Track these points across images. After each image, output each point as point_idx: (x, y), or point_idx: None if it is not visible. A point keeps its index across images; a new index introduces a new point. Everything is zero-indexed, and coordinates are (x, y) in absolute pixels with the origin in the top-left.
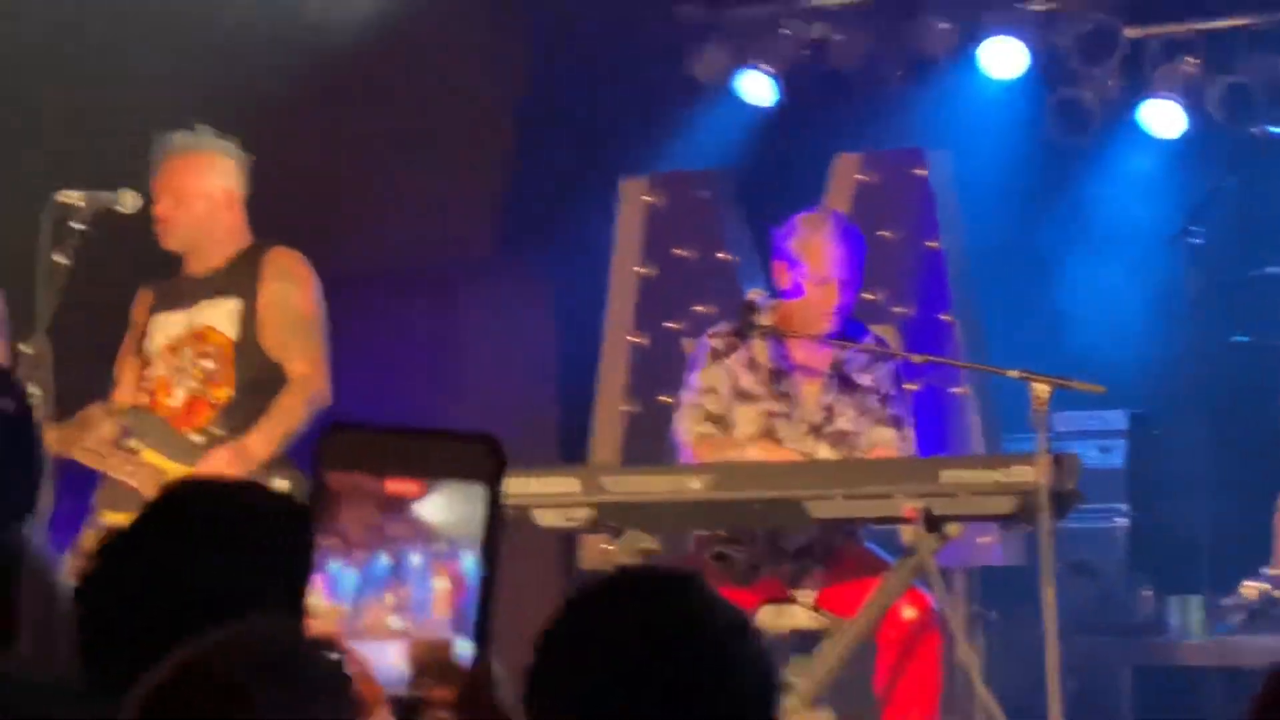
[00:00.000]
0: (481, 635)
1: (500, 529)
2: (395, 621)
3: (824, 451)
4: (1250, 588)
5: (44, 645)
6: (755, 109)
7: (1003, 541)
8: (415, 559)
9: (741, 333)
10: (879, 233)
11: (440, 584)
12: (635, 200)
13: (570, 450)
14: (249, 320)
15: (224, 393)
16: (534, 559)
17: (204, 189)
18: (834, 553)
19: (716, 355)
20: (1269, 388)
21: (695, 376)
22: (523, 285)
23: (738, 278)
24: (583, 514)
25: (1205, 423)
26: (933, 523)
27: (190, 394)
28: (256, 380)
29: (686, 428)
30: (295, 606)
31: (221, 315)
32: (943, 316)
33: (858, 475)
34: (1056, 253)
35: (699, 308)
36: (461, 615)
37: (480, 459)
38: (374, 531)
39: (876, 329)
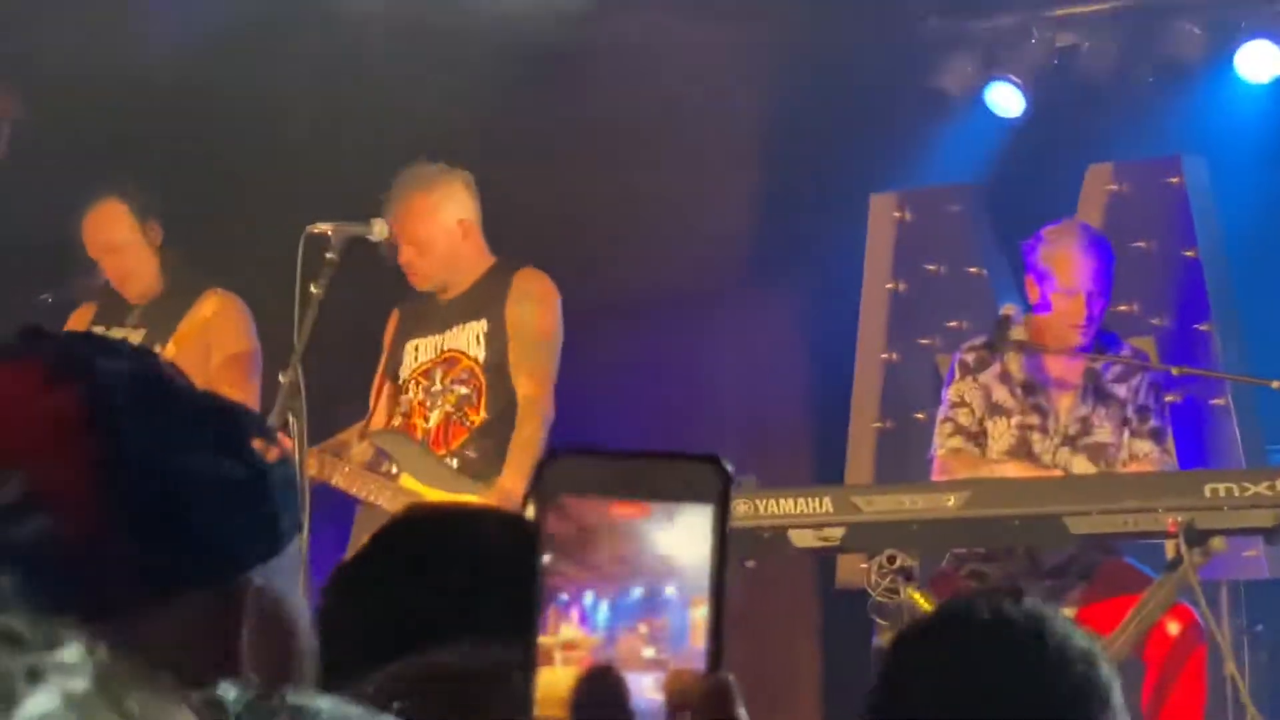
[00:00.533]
0: (714, 653)
1: (728, 549)
2: (650, 652)
3: (1079, 464)
4: None
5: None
6: (1005, 121)
7: (1269, 554)
8: (670, 590)
9: (995, 346)
10: (1134, 243)
11: (697, 614)
12: (885, 216)
13: (825, 470)
14: (496, 341)
15: (479, 416)
16: (791, 580)
17: (441, 227)
18: (1093, 569)
19: (968, 370)
20: None
21: (948, 392)
22: (774, 305)
23: (989, 292)
24: (837, 534)
25: None
26: (1195, 537)
27: (445, 417)
28: (507, 403)
29: (939, 443)
30: (524, 634)
31: (470, 338)
32: (1201, 327)
33: (1118, 490)
34: None
35: (951, 323)
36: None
37: (707, 479)
38: (623, 561)
39: (1134, 341)
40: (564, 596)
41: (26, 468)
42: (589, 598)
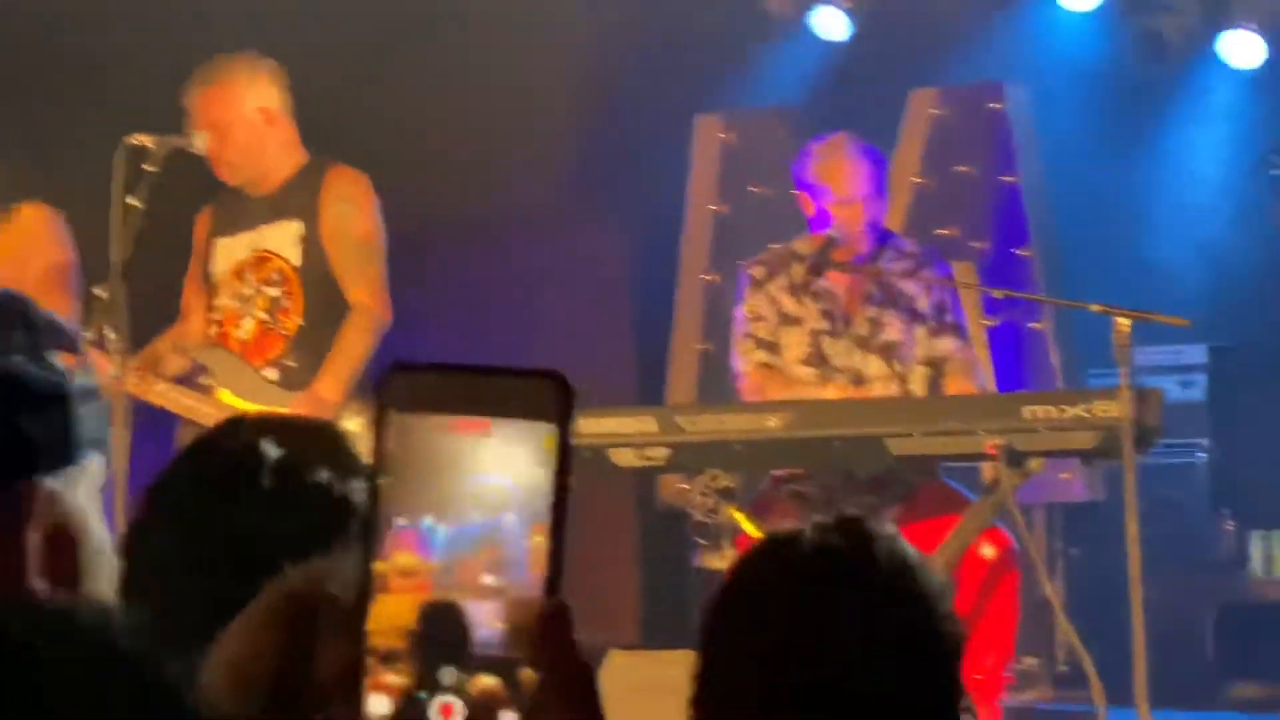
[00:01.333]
0: (553, 580)
1: (570, 469)
2: (489, 579)
3: (872, 365)
4: None
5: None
6: (829, 44)
7: (1083, 477)
8: (510, 516)
9: (818, 269)
10: (955, 168)
11: (537, 540)
12: (710, 138)
13: (647, 390)
14: (313, 245)
15: (293, 322)
16: (610, 498)
17: (238, 113)
18: (912, 490)
19: (757, 284)
20: None
21: (742, 309)
22: (599, 226)
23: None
24: (660, 454)
25: None
26: (1015, 459)
27: (259, 325)
28: (326, 308)
29: (744, 360)
30: (339, 553)
31: (284, 239)
32: (1021, 251)
33: (938, 412)
34: (1135, 186)
35: (774, 245)
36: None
37: (549, 396)
38: (462, 484)
39: (955, 264)
40: (401, 521)
41: None
42: (427, 522)
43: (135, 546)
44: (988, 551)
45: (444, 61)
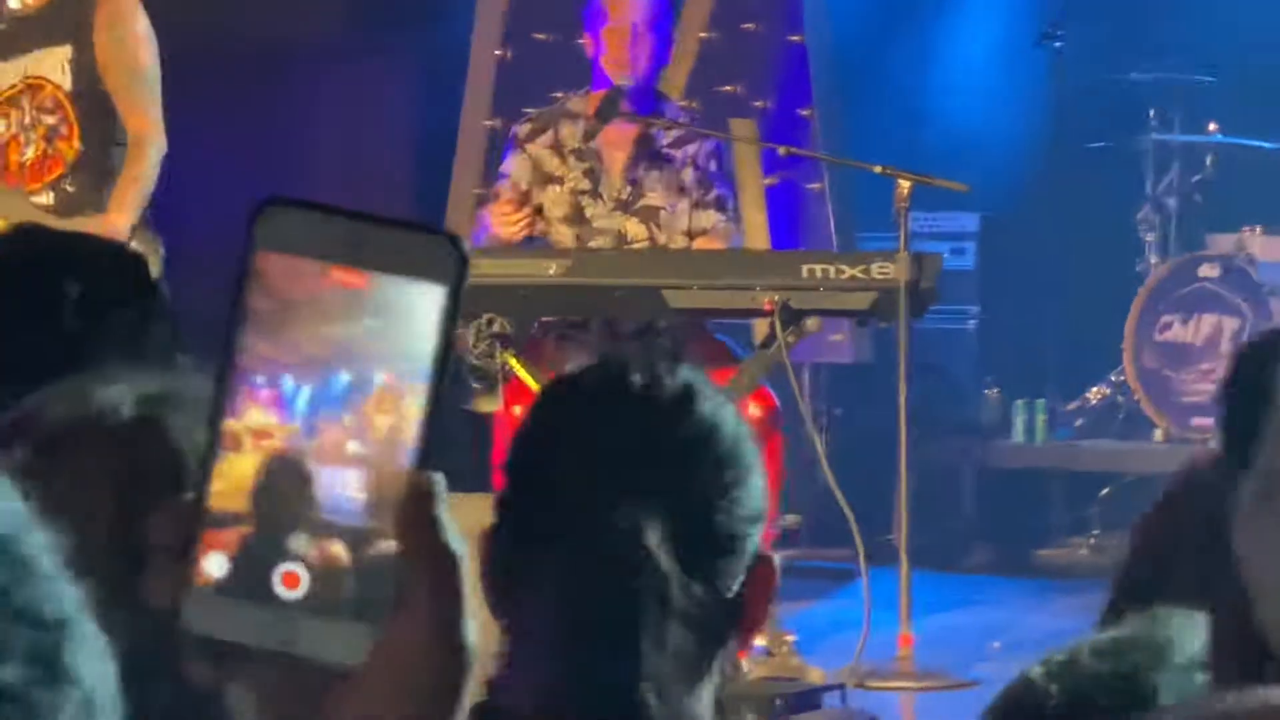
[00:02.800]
0: (424, 451)
1: (453, 340)
2: (354, 446)
3: (632, 228)
4: (1095, 392)
5: None
6: None
7: (852, 339)
8: (380, 377)
9: (604, 117)
10: (741, 25)
11: (409, 407)
12: None
13: None
14: (85, 70)
15: (71, 148)
16: None
17: None
18: (681, 343)
19: (519, 143)
20: (1124, 194)
21: (505, 165)
22: (383, 67)
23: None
24: None
25: (1058, 228)
26: (791, 316)
27: (40, 151)
28: (102, 132)
29: (493, 218)
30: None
31: (54, 65)
32: (803, 112)
33: (716, 266)
34: (917, 54)
35: (557, 94)
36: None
37: (441, 256)
38: (332, 341)
39: (735, 122)
40: (259, 378)
41: None
42: (288, 382)
43: None
44: (754, 411)
45: None
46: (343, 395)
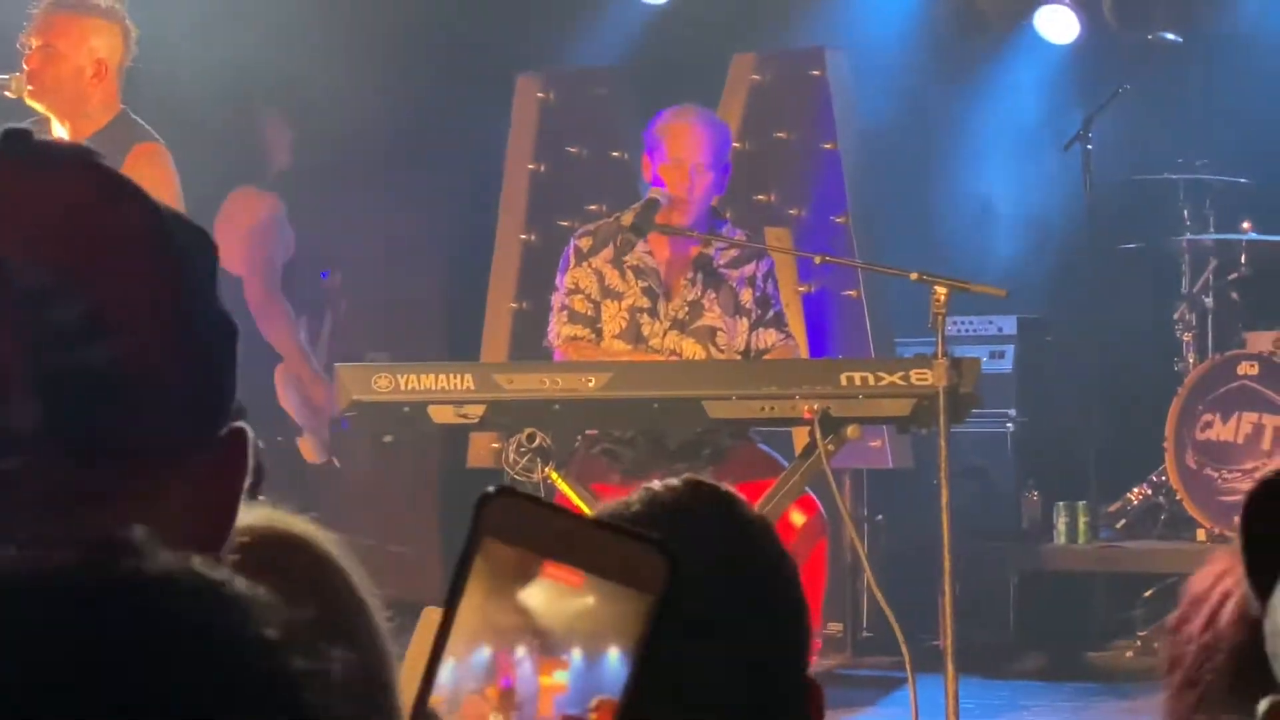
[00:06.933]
0: None
1: (655, 641)
2: (495, 719)
3: (688, 348)
4: (1136, 493)
5: None
6: (651, 6)
7: (892, 445)
8: (520, 651)
9: (640, 230)
10: (775, 134)
11: (546, 681)
12: (529, 97)
13: (460, 349)
14: None
15: None
16: (418, 456)
17: (79, 51)
18: (725, 453)
19: (582, 255)
20: (1160, 293)
21: (564, 279)
22: (418, 183)
23: (630, 176)
24: (478, 410)
25: (1095, 328)
26: (831, 424)
27: None
28: None
29: (556, 331)
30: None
31: None
32: (837, 219)
33: (756, 376)
34: (949, 157)
35: (591, 206)
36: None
37: (652, 567)
38: (530, 630)
39: (771, 230)
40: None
41: (95, 285)
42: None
43: None
44: (798, 518)
45: (279, 12)
46: (483, 670)
